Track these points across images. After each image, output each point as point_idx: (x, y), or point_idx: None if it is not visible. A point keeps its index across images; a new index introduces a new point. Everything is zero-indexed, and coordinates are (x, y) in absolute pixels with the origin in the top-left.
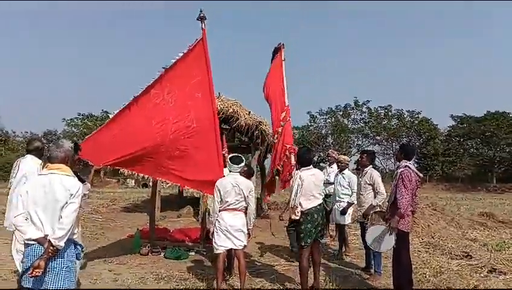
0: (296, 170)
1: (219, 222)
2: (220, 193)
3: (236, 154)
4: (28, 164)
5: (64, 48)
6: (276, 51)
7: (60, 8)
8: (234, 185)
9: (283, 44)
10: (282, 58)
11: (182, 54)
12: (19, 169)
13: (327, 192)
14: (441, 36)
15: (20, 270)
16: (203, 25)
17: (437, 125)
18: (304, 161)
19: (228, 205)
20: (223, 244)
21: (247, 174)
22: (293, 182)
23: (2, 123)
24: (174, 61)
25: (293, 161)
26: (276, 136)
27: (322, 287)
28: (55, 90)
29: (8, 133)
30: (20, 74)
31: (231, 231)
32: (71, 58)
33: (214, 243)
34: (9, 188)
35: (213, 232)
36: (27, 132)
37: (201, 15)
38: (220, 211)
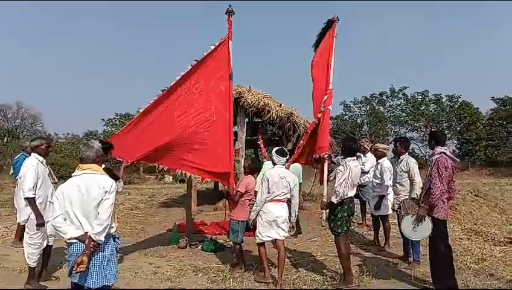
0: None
1: (265, 213)
2: (268, 183)
3: (278, 147)
4: (25, 162)
5: (98, 48)
6: (330, 24)
7: (90, 9)
8: (282, 177)
9: (338, 17)
10: (335, 34)
11: (212, 47)
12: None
13: (361, 182)
14: (479, 17)
15: (29, 263)
16: (230, 20)
17: (478, 108)
18: (349, 151)
19: (275, 196)
20: (269, 234)
21: (252, 169)
22: (342, 171)
23: (44, 126)
24: (205, 54)
25: (325, 171)
26: (316, 120)
27: (357, 278)
28: (94, 91)
29: (51, 135)
30: (59, 76)
31: (278, 221)
32: (106, 59)
33: (257, 233)
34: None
35: (255, 222)
36: (69, 134)
37: (229, 9)
38: (266, 202)
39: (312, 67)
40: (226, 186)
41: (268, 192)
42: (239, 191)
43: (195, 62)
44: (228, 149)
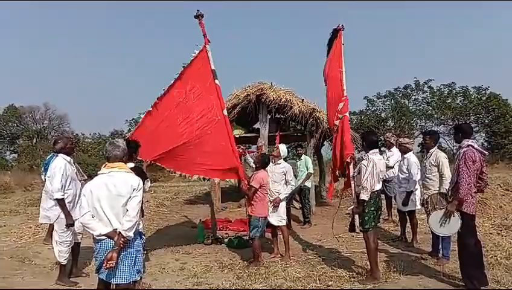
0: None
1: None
2: None
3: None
4: (53, 164)
5: (122, 47)
6: (335, 33)
7: (112, 10)
8: None
9: (343, 26)
10: (342, 43)
11: (199, 50)
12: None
13: (387, 177)
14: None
15: (59, 260)
16: (201, 23)
17: (507, 100)
18: (370, 144)
19: None
20: None
21: (262, 163)
22: (365, 165)
23: (71, 127)
24: (192, 58)
25: (351, 171)
26: (335, 128)
27: (385, 274)
28: (119, 91)
29: (78, 135)
30: (84, 77)
31: None
32: (128, 59)
33: (283, 217)
34: (43, 186)
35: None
36: (95, 134)
37: (198, 13)
38: None
39: (325, 77)
40: (242, 184)
41: None
42: (253, 187)
43: (184, 67)
44: (230, 145)
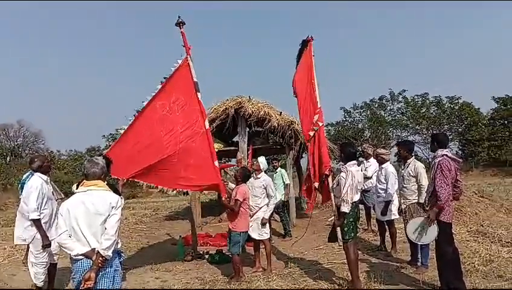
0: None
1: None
2: None
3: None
4: (29, 183)
5: (97, 63)
6: (305, 44)
7: (93, 25)
8: None
9: (312, 36)
10: (312, 54)
11: (180, 61)
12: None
13: (365, 187)
14: (475, 14)
15: (36, 283)
16: (182, 31)
17: (479, 109)
18: (349, 155)
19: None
20: None
21: (243, 177)
22: (344, 177)
23: (47, 144)
24: (174, 69)
25: (330, 183)
26: (309, 140)
27: (365, 284)
28: (94, 106)
29: (53, 152)
30: (58, 95)
31: None
32: (105, 72)
33: (267, 231)
34: (18, 205)
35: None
36: (71, 150)
37: (180, 20)
38: None
39: (294, 87)
40: (224, 197)
41: None
42: (238, 200)
43: (165, 79)
44: (213, 159)
